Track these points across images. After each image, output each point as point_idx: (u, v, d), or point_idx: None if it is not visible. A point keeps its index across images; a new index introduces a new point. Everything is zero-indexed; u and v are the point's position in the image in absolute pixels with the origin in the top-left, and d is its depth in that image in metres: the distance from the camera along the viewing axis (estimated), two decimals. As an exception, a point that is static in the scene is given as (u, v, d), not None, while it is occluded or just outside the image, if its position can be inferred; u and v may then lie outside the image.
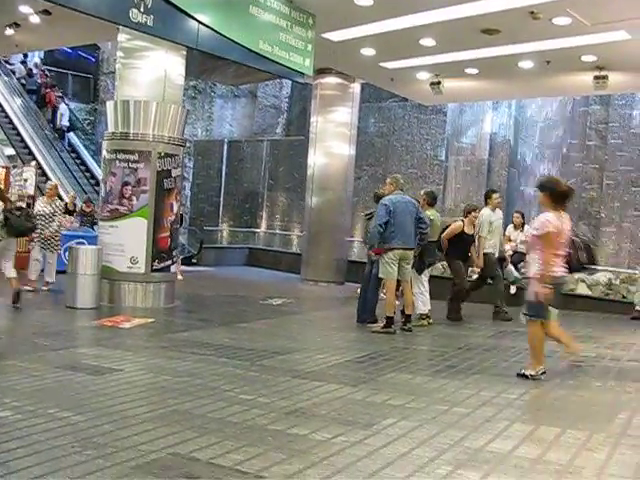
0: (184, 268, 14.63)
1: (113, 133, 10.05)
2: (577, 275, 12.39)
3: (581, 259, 8.23)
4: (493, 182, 16.37)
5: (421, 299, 9.21)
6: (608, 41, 9.88)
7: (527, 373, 5.98)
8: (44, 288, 10.80)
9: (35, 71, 24.98)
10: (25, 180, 16.49)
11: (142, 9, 7.32)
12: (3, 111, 22.51)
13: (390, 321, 8.46)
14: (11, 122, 22.16)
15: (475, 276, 10.77)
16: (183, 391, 5.20)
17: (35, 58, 25.36)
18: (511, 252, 11.31)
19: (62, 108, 23.34)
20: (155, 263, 9.94)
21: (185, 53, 10.18)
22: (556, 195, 5.85)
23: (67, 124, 23.31)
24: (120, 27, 9.41)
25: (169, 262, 10.18)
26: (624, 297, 11.44)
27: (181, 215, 13.65)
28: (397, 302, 8.84)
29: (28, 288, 10.35)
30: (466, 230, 9.71)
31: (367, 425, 4.42)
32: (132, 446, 3.86)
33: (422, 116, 17.69)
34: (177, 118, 10.11)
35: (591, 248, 8.53)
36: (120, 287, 9.89)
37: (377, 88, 16.47)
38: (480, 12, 9.18)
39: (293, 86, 22.69)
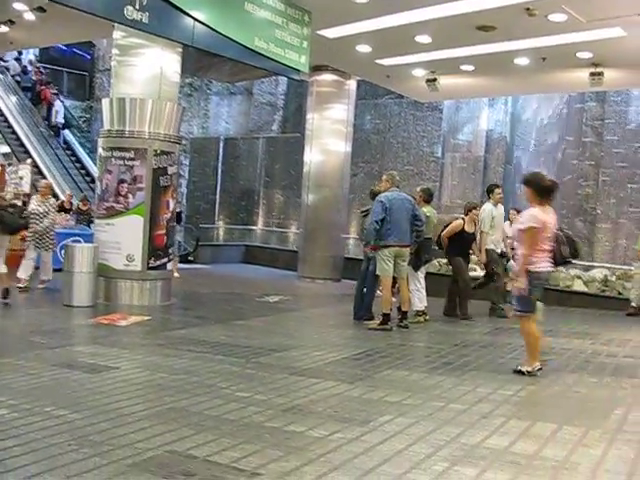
0: (180, 266, 14.61)
1: (109, 131, 10.02)
2: (573, 272, 12.44)
3: (564, 253, 8.27)
4: (489, 179, 16.40)
5: (417, 296, 9.21)
6: (604, 38, 9.90)
7: (523, 369, 5.99)
8: (40, 286, 10.77)
9: (30, 68, 24.91)
10: (21, 178, 16.49)
11: (137, 6, 7.31)
12: (-2, 109, 22.47)
13: (387, 318, 8.46)
14: (6, 120, 22.10)
15: (475, 273, 10.77)
16: (180, 389, 5.19)
17: (29, 55, 25.26)
18: (510, 248, 11.31)
19: (57, 105, 23.27)
20: (151, 261, 9.93)
21: (181, 50, 10.16)
22: (541, 190, 5.90)
23: (62, 121, 23.25)
24: (115, 24, 9.38)
25: (165, 260, 10.17)
26: (620, 293, 11.47)
27: (179, 212, 13.65)
28: (394, 299, 8.84)
29: (21, 286, 10.32)
30: (466, 228, 9.69)
31: (364, 422, 4.42)
32: (129, 444, 3.86)
33: (418, 113, 17.71)
34: (173, 115, 10.09)
35: (574, 242, 8.57)
36: (116, 285, 9.88)
37: (373, 85, 16.48)
38: (476, 9, 9.20)
39: (289, 83, 22.68)
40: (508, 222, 11.88)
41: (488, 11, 9.21)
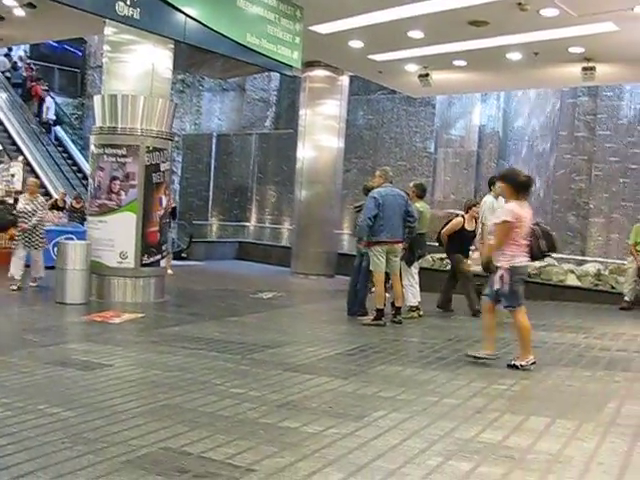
0: (174, 262, 14.59)
1: (101, 127, 9.99)
2: (567, 266, 12.48)
3: (542, 247, 8.32)
4: (482, 174, 16.42)
5: (411, 291, 9.22)
6: (595, 32, 9.91)
7: (517, 363, 6.01)
8: (32, 284, 10.73)
9: (20, 64, 24.77)
10: (12, 175, 16.42)
11: (128, 2, 7.26)
12: (-12, 105, 22.36)
13: (380, 313, 8.47)
14: (-3, 117, 22.00)
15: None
16: (174, 385, 5.19)
17: (19, 51, 25.11)
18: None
19: (48, 101, 23.17)
20: (144, 258, 9.91)
21: (173, 46, 10.13)
22: (517, 185, 5.99)
23: (53, 117, 23.14)
24: (106, 20, 9.35)
25: (158, 257, 10.15)
26: (613, 288, 11.50)
27: (174, 208, 13.63)
28: (387, 295, 8.85)
29: (14, 287, 10.27)
30: (466, 226, 9.64)
31: (358, 417, 4.43)
32: (123, 441, 3.85)
33: (411, 108, 17.71)
34: (165, 112, 10.07)
35: (551, 236, 8.63)
36: (110, 282, 9.86)
37: (366, 81, 16.48)
38: (467, 4, 9.19)
39: (281, 79, 22.66)
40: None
41: (480, 6, 9.20)
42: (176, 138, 18.64)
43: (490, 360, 6.22)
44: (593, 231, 15.06)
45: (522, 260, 5.97)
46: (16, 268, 10.37)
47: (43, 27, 12.84)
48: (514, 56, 11.48)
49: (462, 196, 16.74)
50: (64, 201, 15.93)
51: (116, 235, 9.77)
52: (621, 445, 3.99)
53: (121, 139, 9.80)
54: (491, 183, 10.21)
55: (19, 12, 11.45)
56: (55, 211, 14.99)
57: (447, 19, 9.83)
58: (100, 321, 8.22)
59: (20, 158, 18.51)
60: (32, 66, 24.72)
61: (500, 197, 10.05)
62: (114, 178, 9.79)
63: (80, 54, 25.84)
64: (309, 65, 14.57)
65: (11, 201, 13.77)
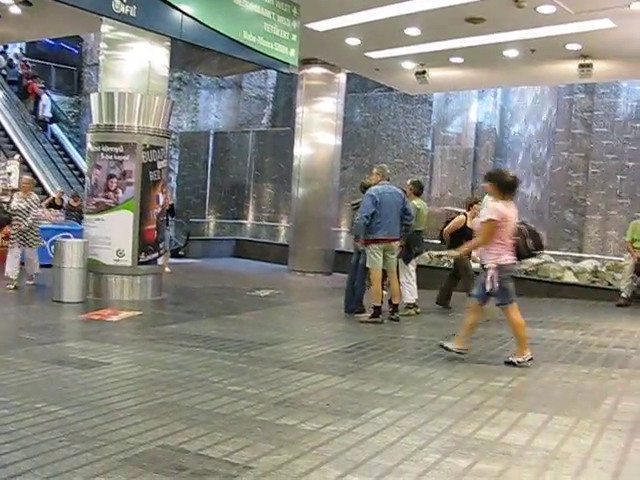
0: (171, 260, 14.58)
1: (97, 125, 9.98)
2: (564, 263, 12.50)
3: (529, 246, 8.36)
4: (479, 171, 16.42)
5: (408, 288, 9.23)
6: (592, 29, 9.91)
7: (514, 360, 6.02)
8: (28, 282, 10.71)
9: (16, 62, 24.70)
10: (9, 174, 16.40)
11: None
12: (-16, 103, 22.29)
13: (377, 311, 8.47)
14: (-7, 115, 21.94)
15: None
16: (171, 383, 5.19)
17: (15, 48, 25.04)
18: None
19: (44, 99, 23.10)
20: (142, 256, 9.91)
21: (169, 44, 10.11)
22: (503, 185, 6.05)
23: (50, 115, 23.08)
24: (103, 18, 9.33)
25: (156, 254, 10.15)
26: (610, 284, 11.52)
27: (171, 205, 13.61)
28: (384, 292, 8.85)
29: (10, 287, 10.25)
30: (468, 224, 9.60)
31: (356, 414, 4.43)
32: (120, 439, 3.85)
33: (408, 106, 17.70)
34: (162, 110, 10.06)
35: (538, 235, 8.68)
36: (107, 280, 9.86)
37: (363, 78, 16.46)
38: (464, 1, 9.18)
39: (278, 77, 22.61)
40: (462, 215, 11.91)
41: (477, 3, 9.20)
42: (173, 136, 18.58)
43: (460, 355, 6.25)
44: (590, 228, 15.08)
45: (508, 258, 6.02)
46: (12, 267, 10.33)
47: (39, 25, 12.82)
48: (511, 53, 11.48)
49: (459, 193, 16.77)
50: (62, 200, 15.90)
51: (113, 233, 9.76)
52: (618, 441, 4.00)
53: (118, 137, 9.79)
54: None
55: (15, 10, 11.42)
56: (52, 209, 14.96)
57: (444, 16, 9.82)
58: (97, 319, 8.22)
59: (17, 156, 18.48)
60: (28, 64, 24.66)
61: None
62: (111, 176, 9.78)
63: (77, 52, 25.78)
64: (306, 63, 14.57)
65: (7, 199, 13.74)
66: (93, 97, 10.16)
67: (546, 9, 9.20)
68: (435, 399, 4.89)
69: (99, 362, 5.86)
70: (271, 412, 4.47)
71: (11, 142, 20.96)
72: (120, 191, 9.76)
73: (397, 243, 8.62)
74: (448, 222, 9.86)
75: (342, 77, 15.63)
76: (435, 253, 13.22)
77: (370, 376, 5.60)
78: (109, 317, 8.33)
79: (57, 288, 9.41)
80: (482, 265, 6.11)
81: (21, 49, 25.27)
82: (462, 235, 9.62)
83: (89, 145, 10.15)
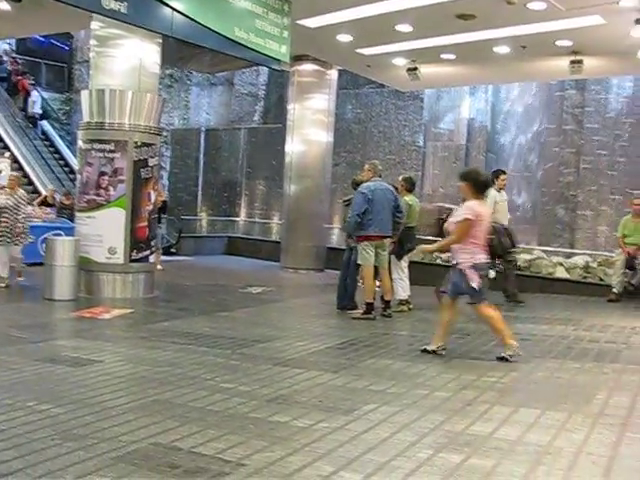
0: (163, 258, 14.55)
1: (88, 123, 9.94)
2: (555, 259, 12.53)
3: (505, 245, 8.45)
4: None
5: (401, 285, 9.23)
6: (583, 26, 9.94)
7: (506, 355, 6.03)
8: (19, 278, 10.65)
9: (5, 58, 24.55)
10: (0, 171, 16.31)
11: (115, -4, 7.22)
12: (-27, 100, 22.16)
13: (370, 307, 8.48)
14: (-18, 111, 21.81)
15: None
16: (163, 381, 5.18)
17: (4, 45, 24.88)
18: None
19: (34, 95, 22.96)
20: (134, 253, 9.88)
21: (160, 41, 10.08)
22: (478, 185, 6.09)
23: (39, 112, 22.96)
24: (93, 15, 9.28)
25: (148, 252, 10.12)
26: (601, 280, 11.55)
27: (164, 202, 13.57)
28: (377, 288, 8.86)
29: (2, 285, 10.20)
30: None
31: (348, 411, 4.43)
32: (113, 437, 3.84)
33: (399, 102, 17.71)
34: (153, 107, 10.03)
35: (511, 233, 8.74)
36: (99, 278, 9.83)
37: (354, 75, 16.45)
38: (455, -3, 9.19)
39: (270, 73, 22.55)
40: None
41: (467, 0, 9.21)
42: (164, 133, 18.55)
43: (442, 352, 6.28)
44: (581, 224, 15.13)
45: (481, 257, 6.06)
46: (1, 266, 10.29)
47: (29, 21, 12.73)
48: (502, 49, 11.50)
49: (451, 189, 16.78)
50: (54, 198, 15.83)
51: (105, 231, 9.74)
52: (609, 436, 4.02)
53: (109, 134, 9.76)
54: (495, 177, 10.25)
55: (4, 6, 11.33)
56: (44, 207, 14.90)
57: (435, 12, 9.83)
58: (89, 317, 8.19)
59: (7, 154, 18.40)
60: (17, 60, 24.52)
61: (502, 191, 10.11)
62: (102, 173, 9.75)
63: (67, 49, 25.62)
64: (297, 59, 14.55)
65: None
66: (84, 94, 10.13)
67: (536, 5, 9.22)
68: (428, 395, 4.90)
69: (91, 360, 5.84)
70: (264, 409, 4.46)
71: (1, 139, 20.85)
72: (111, 189, 9.73)
73: (389, 240, 8.63)
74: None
75: (333, 74, 15.62)
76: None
77: (363, 372, 5.60)
78: (101, 315, 8.31)
79: (48, 286, 9.38)
80: (454, 264, 6.15)
81: (10, 44, 25.10)
82: None
83: (80, 142, 10.12)
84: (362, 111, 18.53)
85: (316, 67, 15.21)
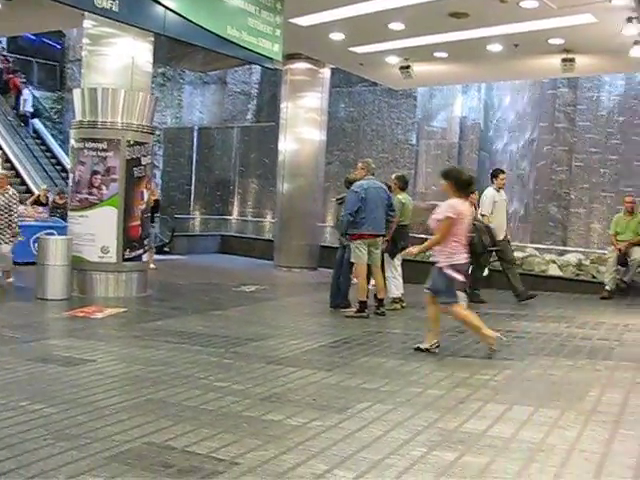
0: (156, 257, 14.53)
1: (81, 121, 9.91)
2: (548, 256, 12.56)
3: (486, 243, 8.47)
4: (463, 165, 16.47)
5: (394, 283, 9.24)
6: (575, 24, 9.97)
7: (490, 352, 6.09)
8: (8, 280, 10.57)
9: (-5, 57, 24.48)
10: (-9, 170, 16.21)
11: (107, -6, 7.19)
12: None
13: (363, 305, 8.48)
14: (-27, 110, 21.73)
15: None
16: (157, 380, 5.17)
17: (-7, 43, 24.81)
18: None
19: (25, 94, 22.89)
20: (126, 252, 9.86)
21: (153, 39, 10.05)
22: (460, 183, 6.13)
23: (31, 110, 22.90)
24: (85, 13, 9.25)
25: (141, 251, 10.10)
26: (594, 277, 11.59)
27: (157, 200, 13.54)
28: (370, 287, 8.86)
29: None
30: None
31: (342, 409, 4.44)
32: (106, 436, 3.83)
33: (392, 100, 17.72)
34: (146, 106, 10.00)
35: (491, 231, 8.75)
36: (91, 277, 9.80)
37: (347, 73, 16.45)
38: (448, -5, 9.20)
39: (263, 72, 22.53)
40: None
41: (460, -2, 9.24)
42: (157, 132, 18.52)
43: (436, 349, 6.31)
44: (574, 221, 15.18)
45: (461, 257, 6.11)
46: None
47: (20, 20, 12.67)
48: (495, 48, 11.51)
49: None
50: (47, 197, 15.78)
51: (97, 230, 9.71)
52: (602, 433, 4.03)
53: (102, 133, 9.73)
54: (494, 175, 10.27)
55: (-5, 5, 11.30)
56: (36, 206, 14.86)
57: (428, 11, 9.83)
58: (82, 316, 8.17)
59: (-1, 152, 18.35)
60: (8, 58, 24.42)
61: (501, 190, 10.12)
62: (95, 172, 9.73)
63: (59, 47, 25.55)
64: (290, 58, 14.53)
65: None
66: (76, 93, 10.09)
67: (529, 4, 9.24)
68: (421, 393, 4.91)
69: (84, 359, 5.83)
70: (257, 408, 4.46)
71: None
72: (104, 187, 9.70)
73: (381, 238, 8.64)
74: None
75: (326, 72, 15.60)
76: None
77: (356, 371, 5.61)
78: (94, 314, 8.29)
79: (41, 285, 9.35)
80: (434, 262, 6.18)
81: (0, 43, 25.00)
82: None
83: (72, 141, 10.08)
84: (355, 109, 18.54)
85: (309, 65, 15.19)
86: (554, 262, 12.20)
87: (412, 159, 17.43)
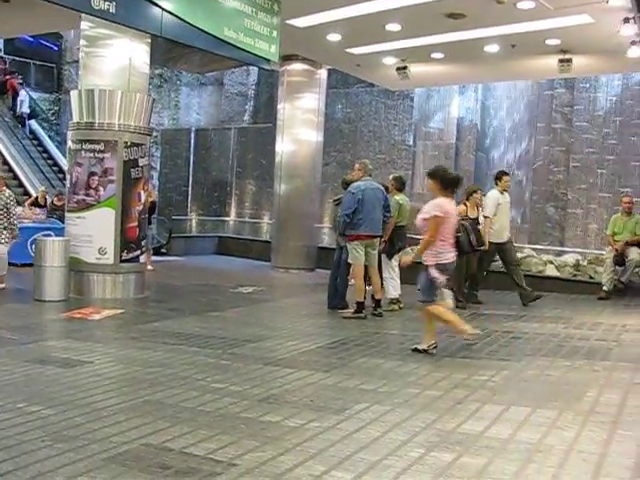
0: (154, 258, 14.51)
1: (78, 123, 9.90)
2: (545, 257, 12.57)
3: (473, 242, 8.46)
4: (461, 166, 16.48)
5: (392, 284, 9.24)
6: (571, 25, 9.97)
7: (467, 341, 6.14)
8: (1, 286, 10.52)
9: (-8, 58, 24.45)
10: (-12, 172, 16.22)
11: (104, -4, 7.19)
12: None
13: (361, 306, 8.49)
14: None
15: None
16: (154, 381, 5.17)
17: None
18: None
19: (22, 95, 22.87)
20: (124, 253, 9.85)
21: (150, 41, 10.05)
22: (446, 182, 6.18)
23: (27, 111, 22.87)
24: (82, 15, 9.24)
25: (138, 252, 10.09)
26: (591, 278, 11.60)
27: (153, 202, 13.53)
28: (367, 287, 8.86)
29: None
30: (469, 214, 9.50)
31: (340, 410, 4.44)
32: (104, 438, 3.83)
33: (389, 101, 17.71)
34: (143, 107, 10.00)
35: (479, 231, 8.73)
36: (89, 278, 9.80)
37: (344, 74, 16.44)
38: (445, -4, 9.20)
39: (260, 73, 22.52)
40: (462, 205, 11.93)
41: (457, -1, 9.25)
42: (154, 133, 18.48)
43: (433, 350, 6.32)
44: (571, 222, 15.18)
45: (448, 257, 6.14)
46: None
47: (17, 21, 12.65)
48: (492, 48, 11.52)
49: (469, 185, 16.75)
50: (45, 199, 15.76)
51: (95, 231, 9.70)
52: (600, 433, 4.04)
53: (99, 134, 9.72)
54: (497, 178, 10.22)
55: (-8, 6, 11.28)
56: (34, 208, 14.84)
57: (425, 12, 9.83)
58: (79, 318, 8.16)
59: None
60: (5, 59, 24.40)
61: (505, 192, 10.08)
62: (92, 174, 9.72)
63: (56, 49, 25.52)
64: (287, 59, 14.53)
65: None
66: (73, 94, 10.08)
67: (526, 4, 9.25)
68: (419, 394, 4.91)
69: (81, 361, 5.82)
70: (255, 409, 4.46)
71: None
72: (101, 189, 9.70)
73: (378, 239, 8.65)
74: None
75: (323, 73, 15.59)
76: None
77: (354, 372, 5.61)
78: (91, 315, 8.28)
79: (38, 287, 9.34)
80: (420, 262, 6.20)
81: (-6, 44, 24.97)
82: None
83: (70, 143, 10.08)
84: (352, 110, 18.53)
85: (306, 67, 15.18)
86: (551, 263, 12.21)
87: (409, 160, 17.42)
